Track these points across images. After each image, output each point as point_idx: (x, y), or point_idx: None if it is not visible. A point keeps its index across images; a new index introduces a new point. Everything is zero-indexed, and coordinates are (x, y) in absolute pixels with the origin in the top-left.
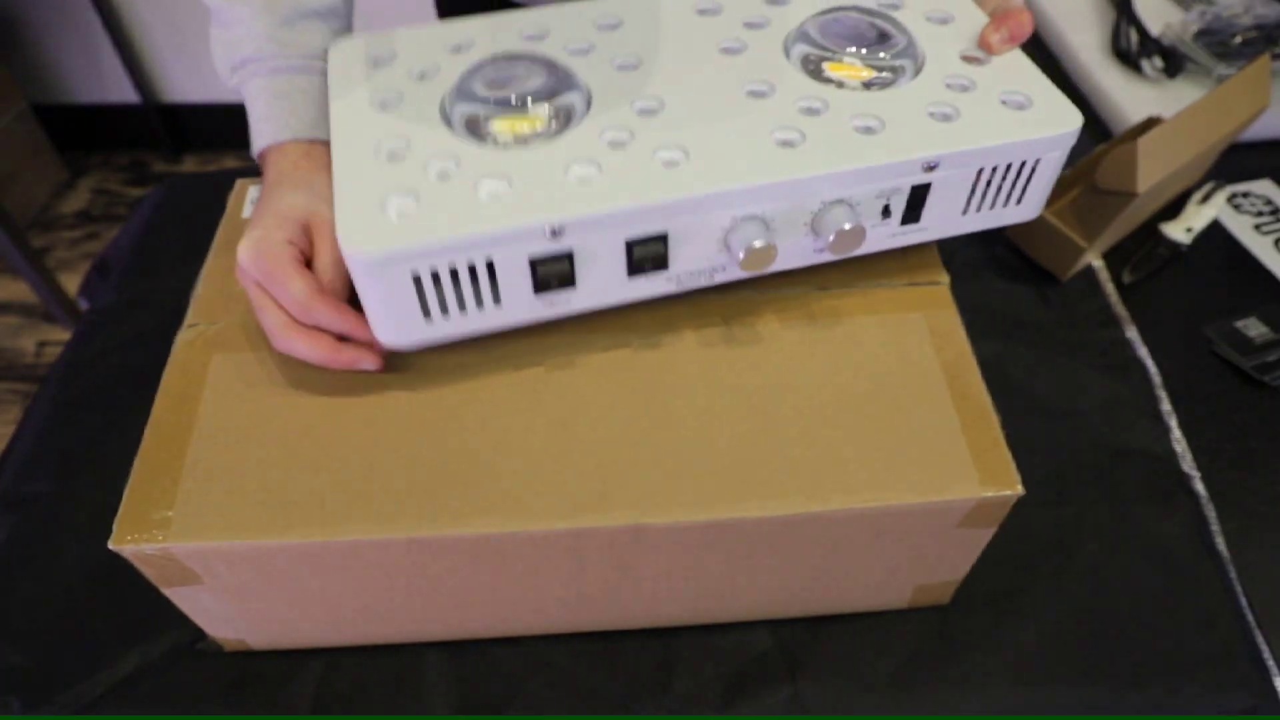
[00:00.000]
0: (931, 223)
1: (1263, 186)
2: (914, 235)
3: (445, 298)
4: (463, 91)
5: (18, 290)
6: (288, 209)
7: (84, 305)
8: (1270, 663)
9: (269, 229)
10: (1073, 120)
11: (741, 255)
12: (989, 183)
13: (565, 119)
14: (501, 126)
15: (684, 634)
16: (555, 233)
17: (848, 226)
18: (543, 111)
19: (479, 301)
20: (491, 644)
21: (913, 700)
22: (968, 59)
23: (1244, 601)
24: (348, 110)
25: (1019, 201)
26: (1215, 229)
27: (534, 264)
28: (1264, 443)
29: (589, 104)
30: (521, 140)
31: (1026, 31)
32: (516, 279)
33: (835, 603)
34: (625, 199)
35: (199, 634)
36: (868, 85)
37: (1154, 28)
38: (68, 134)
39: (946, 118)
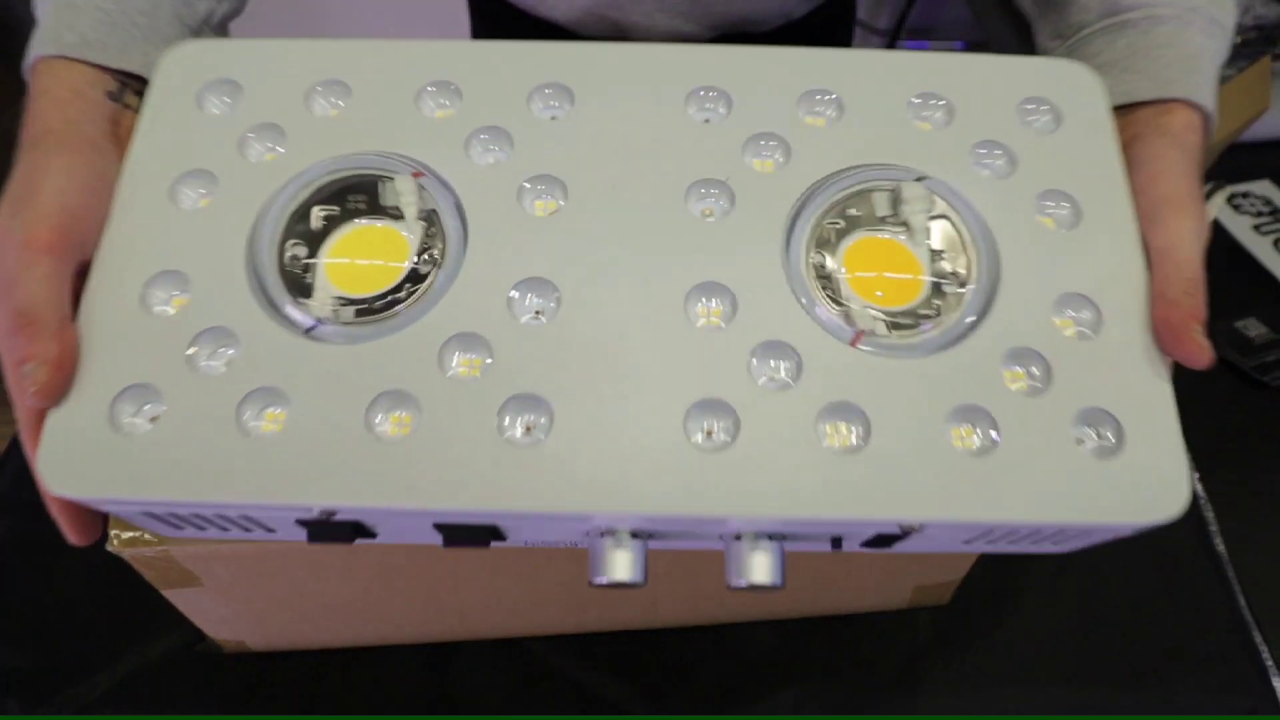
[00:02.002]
0: (911, 548)
1: (1262, 187)
2: (881, 550)
3: (198, 525)
4: (285, 212)
5: None
6: (51, 199)
7: None
8: (1269, 663)
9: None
10: (1168, 504)
11: (598, 580)
12: (1004, 537)
13: (431, 265)
14: (331, 279)
15: (684, 635)
16: (326, 512)
17: (759, 581)
18: (392, 272)
19: (245, 529)
20: (491, 645)
21: (912, 701)
22: (1067, 308)
23: (1243, 602)
24: (136, 186)
25: (1054, 545)
26: (1215, 229)
27: (304, 524)
28: (1264, 443)
29: (464, 250)
30: (348, 306)
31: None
32: (286, 527)
33: (835, 603)
34: (433, 497)
35: (198, 635)
36: (894, 325)
37: None
38: None
39: (969, 454)
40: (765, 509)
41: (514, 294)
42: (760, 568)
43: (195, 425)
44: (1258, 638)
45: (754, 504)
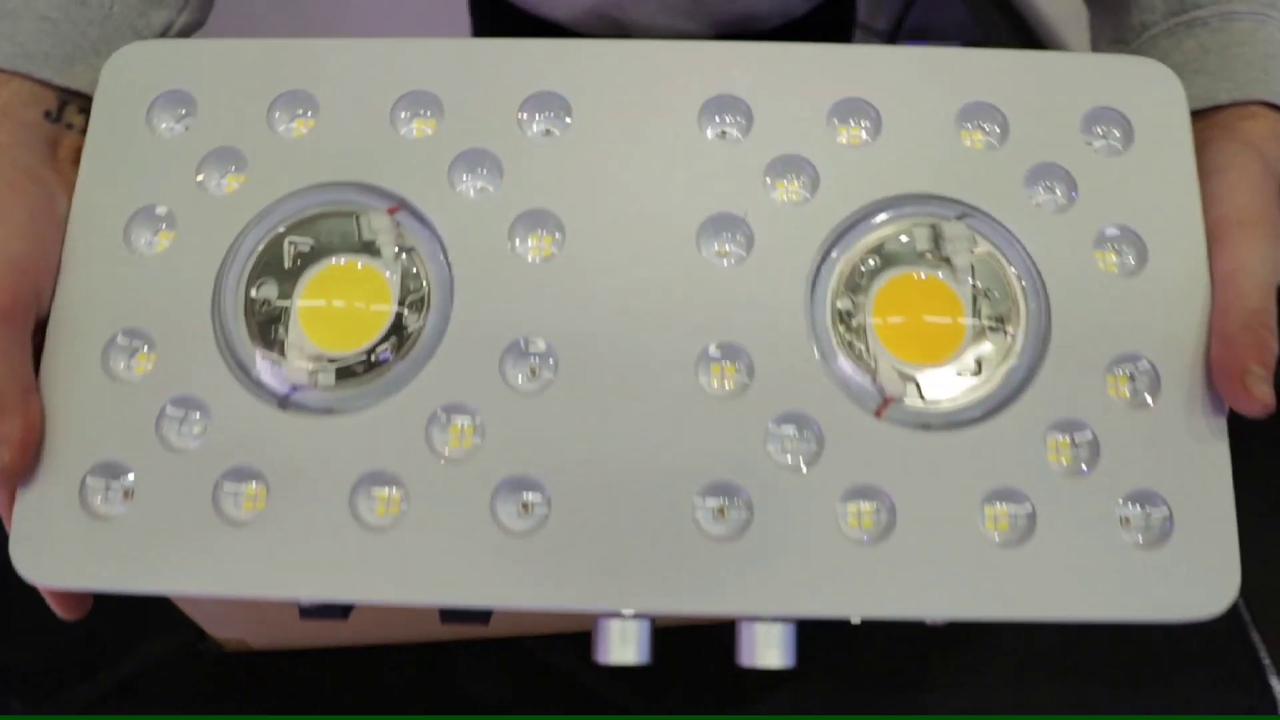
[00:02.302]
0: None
1: None
2: None
3: None
4: (249, 259)
5: None
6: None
7: None
8: (1266, 662)
9: None
10: (1212, 601)
11: (603, 660)
12: None
13: (416, 312)
14: (306, 329)
15: (684, 634)
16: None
17: (771, 665)
18: (373, 323)
19: None
20: (491, 644)
21: (911, 700)
22: (1122, 370)
23: (1240, 601)
24: (87, 228)
25: None
26: None
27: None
28: (1262, 443)
29: (450, 300)
30: (327, 367)
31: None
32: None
33: None
34: (423, 591)
35: (198, 635)
36: (928, 385)
37: None
38: None
39: (1001, 543)
40: (780, 607)
41: (506, 356)
42: (773, 655)
43: (170, 508)
44: (1255, 637)
45: (767, 602)
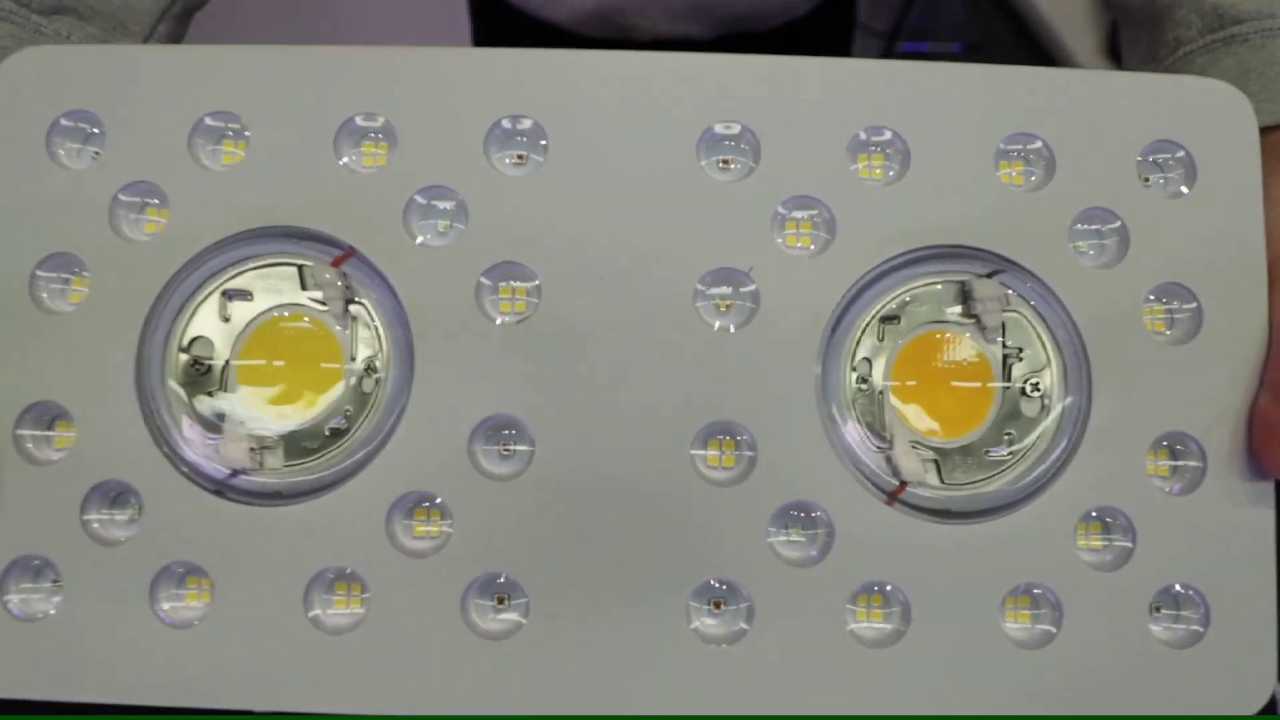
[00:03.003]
0: None
1: None
2: None
3: None
4: (176, 321)
5: None
6: None
7: None
8: None
9: None
10: (1244, 701)
11: None
12: None
13: (372, 380)
14: (248, 400)
15: None
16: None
17: None
18: (323, 391)
19: None
20: None
21: None
22: (1166, 452)
23: None
24: None
25: None
26: None
27: None
28: None
29: (409, 368)
30: (274, 446)
31: None
32: None
33: None
34: (389, 703)
35: None
36: (950, 465)
37: None
38: None
39: (1023, 643)
40: (782, 711)
41: (476, 435)
42: None
43: (103, 608)
44: None
45: (769, 706)
